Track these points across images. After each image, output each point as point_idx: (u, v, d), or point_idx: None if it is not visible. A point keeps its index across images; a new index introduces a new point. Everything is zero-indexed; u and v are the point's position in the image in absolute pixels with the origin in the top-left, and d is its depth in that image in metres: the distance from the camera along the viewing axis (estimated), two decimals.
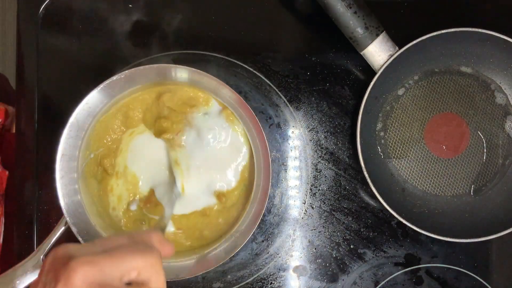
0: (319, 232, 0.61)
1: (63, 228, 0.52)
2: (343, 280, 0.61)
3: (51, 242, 0.51)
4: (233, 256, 0.55)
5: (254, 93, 0.61)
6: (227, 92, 0.52)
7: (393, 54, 0.55)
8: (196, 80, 0.54)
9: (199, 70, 0.51)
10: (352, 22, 0.54)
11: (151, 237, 0.38)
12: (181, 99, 0.56)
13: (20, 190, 0.60)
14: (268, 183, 0.52)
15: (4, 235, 0.61)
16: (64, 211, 0.51)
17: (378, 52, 0.55)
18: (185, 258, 0.55)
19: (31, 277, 0.49)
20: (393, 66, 0.55)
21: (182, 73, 0.53)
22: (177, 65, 0.51)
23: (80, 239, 0.51)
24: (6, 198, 0.62)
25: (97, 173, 0.57)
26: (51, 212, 0.60)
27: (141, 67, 0.51)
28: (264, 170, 0.53)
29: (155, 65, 0.52)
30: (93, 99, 0.51)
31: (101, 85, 0.51)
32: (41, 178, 0.60)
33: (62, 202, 0.51)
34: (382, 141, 0.60)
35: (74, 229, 0.51)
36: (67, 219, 0.51)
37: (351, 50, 0.57)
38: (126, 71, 0.51)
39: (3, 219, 0.61)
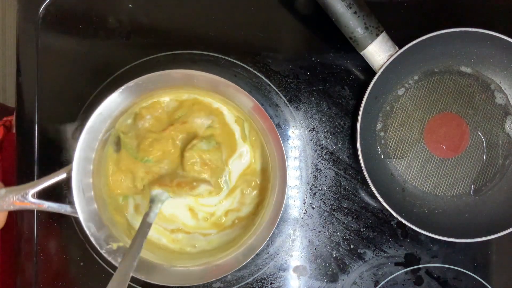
0: (319, 232, 0.61)
1: (64, 175, 0.51)
2: (343, 280, 0.61)
3: (47, 183, 0.51)
4: None
5: (254, 93, 0.61)
6: (246, 100, 0.53)
7: (393, 54, 0.55)
8: (214, 85, 0.53)
9: (219, 77, 0.52)
10: (352, 22, 0.54)
11: None
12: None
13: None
14: (284, 194, 0.52)
15: (3, 235, 0.61)
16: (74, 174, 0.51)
17: (378, 52, 0.55)
18: (195, 263, 0.55)
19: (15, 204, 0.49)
20: (393, 66, 0.55)
21: (201, 79, 0.53)
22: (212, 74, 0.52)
23: (85, 224, 0.51)
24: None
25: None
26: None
27: (178, 70, 0.52)
28: (280, 179, 0.53)
29: (190, 71, 0.52)
30: (126, 91, 0.52)
31: (138, 79, 0.51)
32: (41, 178, 0.60)
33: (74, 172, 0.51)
34: (382, 141, 0.60)
35: (79, 212, 0.51)
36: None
37: (351, 50, 0.57)
38: (162, 71, 0.51)
39: None
